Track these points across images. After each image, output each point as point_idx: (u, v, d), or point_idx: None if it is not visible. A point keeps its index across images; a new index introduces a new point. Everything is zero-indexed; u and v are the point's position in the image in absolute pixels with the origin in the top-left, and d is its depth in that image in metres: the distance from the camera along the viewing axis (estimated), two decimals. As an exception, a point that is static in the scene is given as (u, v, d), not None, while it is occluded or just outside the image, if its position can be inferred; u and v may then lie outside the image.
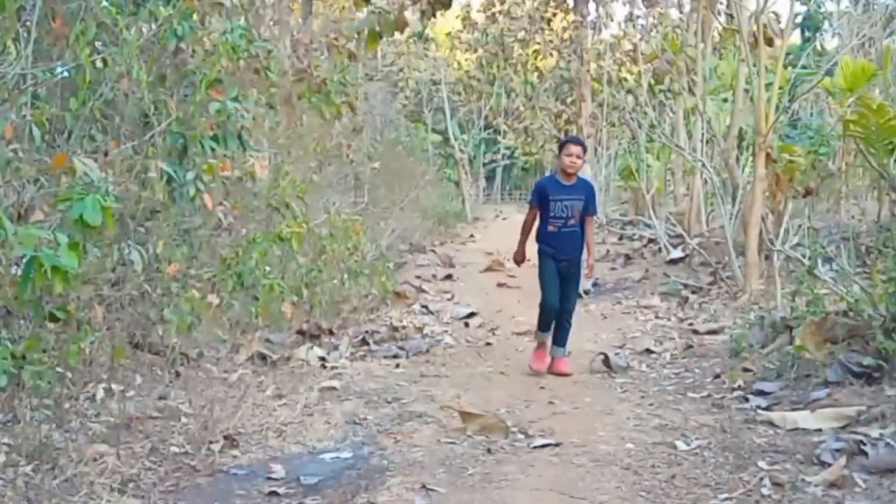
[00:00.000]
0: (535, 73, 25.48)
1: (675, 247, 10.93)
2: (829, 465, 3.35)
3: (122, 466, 3.43)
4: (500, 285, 9.93)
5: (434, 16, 11.26)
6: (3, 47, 3.30)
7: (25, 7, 3.58)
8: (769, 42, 9.14)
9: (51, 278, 2.64)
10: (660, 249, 11.49)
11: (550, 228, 5.55)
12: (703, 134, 11.45)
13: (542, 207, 5.57)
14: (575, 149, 5.54)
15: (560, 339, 5.62)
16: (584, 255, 5.63)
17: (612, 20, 21.76)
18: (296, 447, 3.99)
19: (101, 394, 4.07)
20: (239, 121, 4.50)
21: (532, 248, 5.72)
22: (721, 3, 12.25)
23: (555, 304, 5.51)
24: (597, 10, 21.24)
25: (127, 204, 3.87)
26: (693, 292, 8.48)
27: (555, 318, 5.56)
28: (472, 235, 17.46)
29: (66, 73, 3.87)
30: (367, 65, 18.80)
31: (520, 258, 5.87)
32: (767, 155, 7.85)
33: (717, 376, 5.13)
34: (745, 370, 5.01)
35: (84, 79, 3.55)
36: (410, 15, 10.59)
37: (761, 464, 3.48)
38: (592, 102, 20.56)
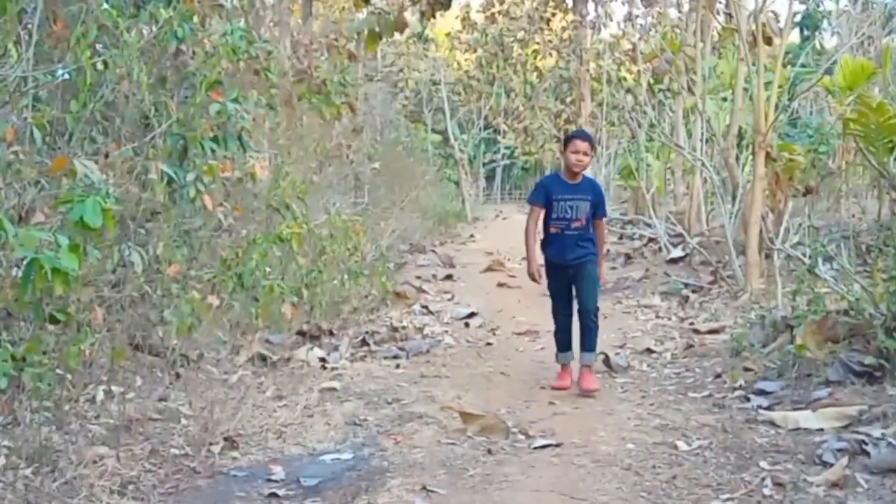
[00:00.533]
0: (535, 73, 25.45)
1: (675, 246, 10.91)
2: (831, 465, 3.34)
3: (122, 469, 3.43)
4: (500, 285, 9.93)
5: (434, 16, 11.22)
6: (5, 50, 3.31)
7: (26, 10, 3.58)
8: (768, 41, 9.12)
9: (51, 280, 2.64)
10: (660, 249, 11.48)
11: (552, 230, 5.19)
12: (702, 133, 11.44)
13: (546, 208, 5.20)
14: (582, 145, 5.07)
15: (588, 343, 5.06)
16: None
17: (611, 20, 21.72)
18: (296, 448, 3.98)
19: (101, 396, 4.07)
20: (239, 122, 4.50)
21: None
22: (720, 3, 12.23)
23: (565, 312, 5.23)
24: (596, 10, 21.23)
25: (127, 205, 3.87)
26: (693, 291, 8.47)
27: (571, 327, 5.24)
28: (472, 235, 17.43)
29: (66, 76, 3.86)
30: (367, 65, 18.80)
31: (535, 270, 5.22)
32: (767, 154, 7.85)
33: (718, 376, 5.12)
34: (746, 370, 5.01)
35: (85, 81, 3.54)
36: (410, 16, 10.57)
37: (763, 464, 3.48)
38: (592, 102, 20.55)
